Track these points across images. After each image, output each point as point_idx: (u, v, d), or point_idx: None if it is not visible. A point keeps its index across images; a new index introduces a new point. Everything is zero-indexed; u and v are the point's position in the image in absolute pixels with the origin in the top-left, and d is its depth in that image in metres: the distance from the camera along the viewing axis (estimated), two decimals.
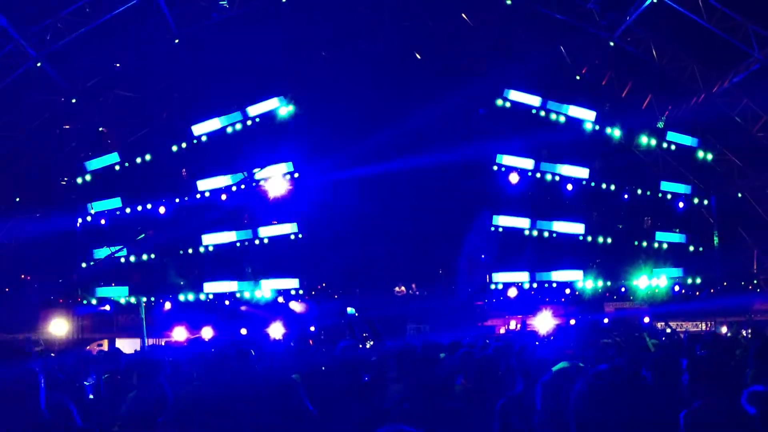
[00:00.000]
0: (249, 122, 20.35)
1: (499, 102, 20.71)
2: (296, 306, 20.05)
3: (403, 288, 21.29)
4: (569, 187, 21.25)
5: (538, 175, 21.18)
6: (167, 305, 19.63)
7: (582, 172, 21.42)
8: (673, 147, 21.17)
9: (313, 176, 20.54)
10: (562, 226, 21.42)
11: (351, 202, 20.32)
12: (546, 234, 21.23)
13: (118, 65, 19.19)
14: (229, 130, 20.40)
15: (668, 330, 17.07)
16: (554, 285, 21.18)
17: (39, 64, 17.65)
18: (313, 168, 20.40)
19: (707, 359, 5.15)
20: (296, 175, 20.24)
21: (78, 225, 20.17)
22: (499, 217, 20.99)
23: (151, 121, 20.60)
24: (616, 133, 21.02)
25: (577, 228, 21.41)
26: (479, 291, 21.56)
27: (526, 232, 21.14)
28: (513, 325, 21.01)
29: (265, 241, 20.44)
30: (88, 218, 20.27)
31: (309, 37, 19.54)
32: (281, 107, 20.34)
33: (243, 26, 18.67)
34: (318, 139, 20.30)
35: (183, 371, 7.50)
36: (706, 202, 21.51)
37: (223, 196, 20.35)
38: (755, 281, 20.89)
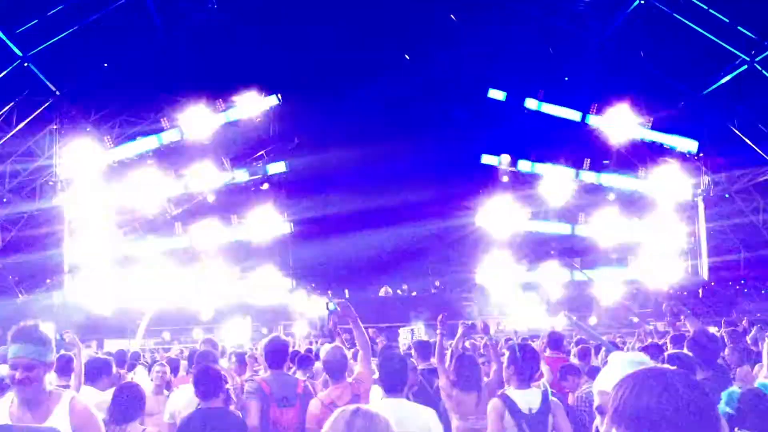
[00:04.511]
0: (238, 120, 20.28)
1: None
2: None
3: (389, 289, 21.25)
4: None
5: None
6: None
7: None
8: (661, 146, 21.20)
9: (304, 176, 20.53)
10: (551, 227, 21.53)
11: (341, 202, 20.30)
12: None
13: (105, 65, 19.14)
14: (218, 128, 20.32)
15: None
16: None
17: (26, 64, 17.63)
18: (304, 168, 20.38)
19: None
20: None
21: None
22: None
23: (138, 120, 20.46)
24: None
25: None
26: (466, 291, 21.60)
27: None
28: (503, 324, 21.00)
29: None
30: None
31: (298, 37, 19.50)
32: (270, 106, 20.27)
33: (229, 26, 18.71)
34: (306, 140, 20.29)
35: None
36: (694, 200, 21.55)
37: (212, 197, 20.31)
38: (743, 281, 20.94)
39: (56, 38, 17.38)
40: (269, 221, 20.36)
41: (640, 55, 19.94)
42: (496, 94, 20.53)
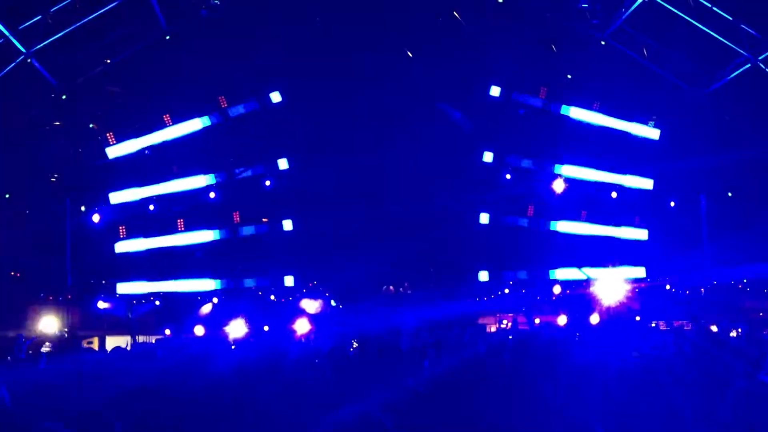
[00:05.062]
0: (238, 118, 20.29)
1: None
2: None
3: (391, 287, 21.21)
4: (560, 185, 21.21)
5: None
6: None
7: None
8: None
9: (306, 172, 20.56)
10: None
11: (342, 197, 20.33)
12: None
13: (108, 61, 19.14)
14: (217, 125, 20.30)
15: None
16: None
17: (29, 60, 17.63)
18: (306, 164, 20.41)
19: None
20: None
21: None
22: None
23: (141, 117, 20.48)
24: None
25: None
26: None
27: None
28: (505, 323, 21.04)
29: None
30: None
31: (298, 34, 19.52)
32: (272, 102, 20.29)
33: (232, 21, 18.74)
34: (309, 135, 20.30)
35: None
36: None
37: (212, 194, 20.37)
38: (744, 280, 20.92)
39: (59, 34, 17.42)
40: None
41: (642, 53, 19.96)
42: (495, 92, 20.56)
